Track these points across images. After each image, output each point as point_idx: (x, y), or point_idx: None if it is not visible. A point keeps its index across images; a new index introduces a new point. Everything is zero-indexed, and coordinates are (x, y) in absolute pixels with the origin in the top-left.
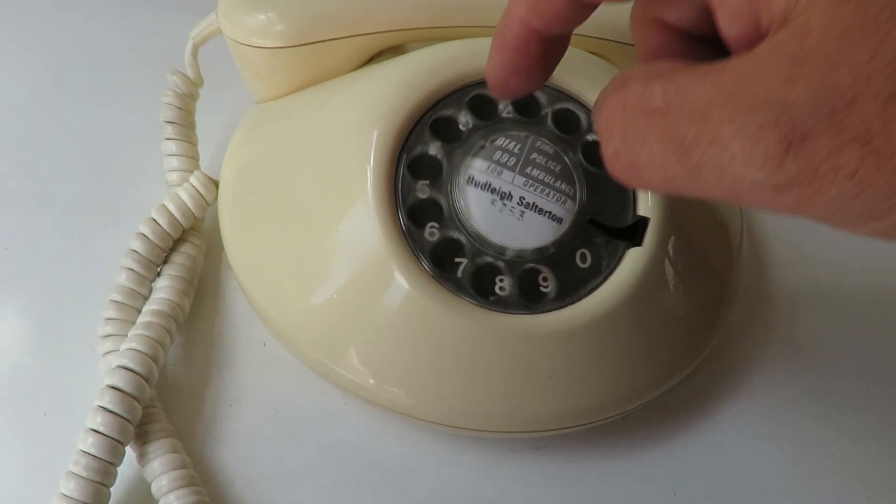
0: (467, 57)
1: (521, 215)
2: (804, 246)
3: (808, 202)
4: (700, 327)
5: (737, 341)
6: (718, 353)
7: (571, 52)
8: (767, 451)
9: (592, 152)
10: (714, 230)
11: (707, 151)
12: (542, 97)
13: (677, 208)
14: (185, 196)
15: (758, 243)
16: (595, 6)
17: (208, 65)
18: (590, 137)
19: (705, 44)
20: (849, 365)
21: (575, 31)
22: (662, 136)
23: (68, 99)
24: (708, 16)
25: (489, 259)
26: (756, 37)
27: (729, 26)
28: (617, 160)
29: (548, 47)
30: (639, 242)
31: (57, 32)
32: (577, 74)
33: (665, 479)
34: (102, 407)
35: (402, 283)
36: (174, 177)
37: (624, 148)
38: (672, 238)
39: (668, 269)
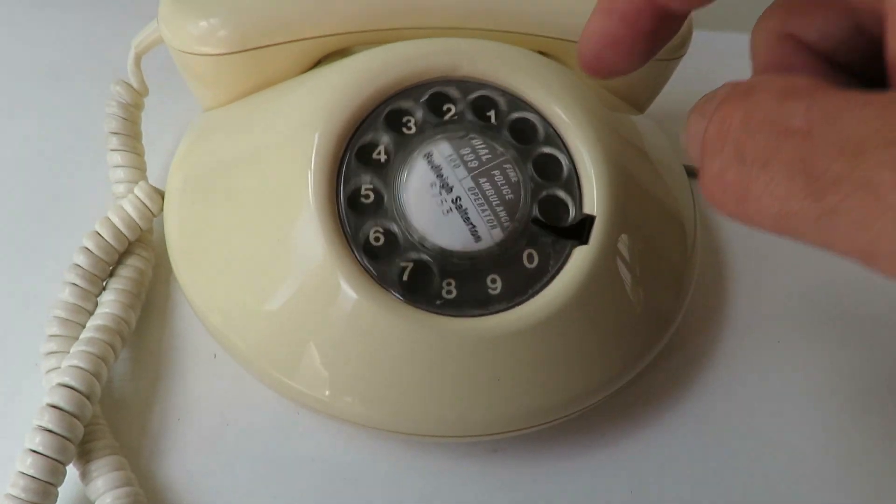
0: (410, 58)
1: (448, 212)
2: (759, 237)
3: None
4: (654, 322)
5: (693, 335)
6: (674, 348)
7: (528, 56)
8: (725, 446)
9: (543, 165)
10: (666, 224)
11: (851, 196)
12: (501, 100)
13: (626, 204)
14: (129, 207)
15: (713, 235)
16: None
17: (156, 74)
18: (545, 151)
19: (845, 74)
20: (806, 357)
21: (523, 31)
22: (794, 164)
23: (9, 112)
24: (858, 38)
25: (435, 262)
26: None
27: None
28: (722, 180)
29: (661, 24)
30: (585, 241)
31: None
32: (542, 85)
33: (622, 477)
34: (41, 427)
35: (348, 293)
36: (120, 188)
37: (736, 167)
38: (621, 234)
39: (618, 266)
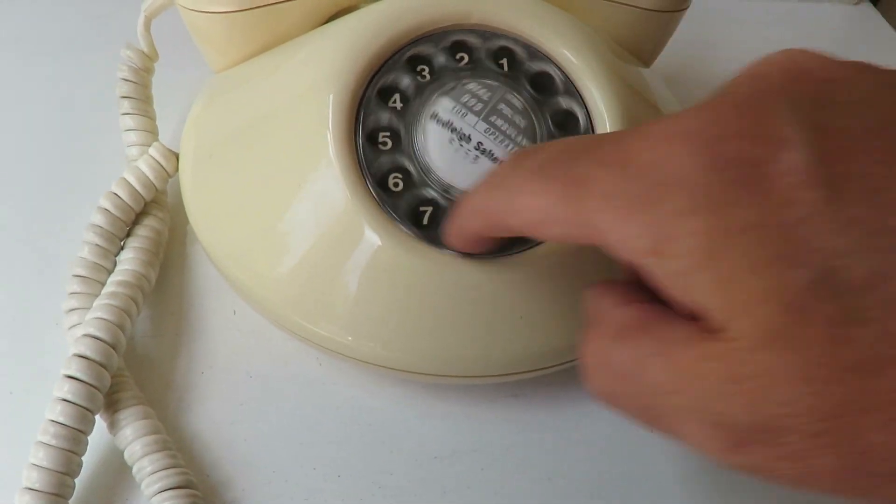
0: (421, 7)
1: (475, 159)
2: None
3: (759, 476)
4: None
5: None
6: None
7: (539, 4)
8: None
9: (560, 117)
10: None
11: (672, 422)
12: (520, 51)
13: None
14: (144, 168)
15: None
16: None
17: (165, 40)
18: (559, 99)
19: None
20: None
21: None
22: (632, 398)
23: (23, 80)
24: None
25: (454, 207)
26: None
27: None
28: (597, 395)
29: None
30: None
31: (10, 14)
32: (554, 33)
33: None
34: (69, 376)
35: (371, 238)
36: (133, 151)
37: (602, 389)
38: None
39: None
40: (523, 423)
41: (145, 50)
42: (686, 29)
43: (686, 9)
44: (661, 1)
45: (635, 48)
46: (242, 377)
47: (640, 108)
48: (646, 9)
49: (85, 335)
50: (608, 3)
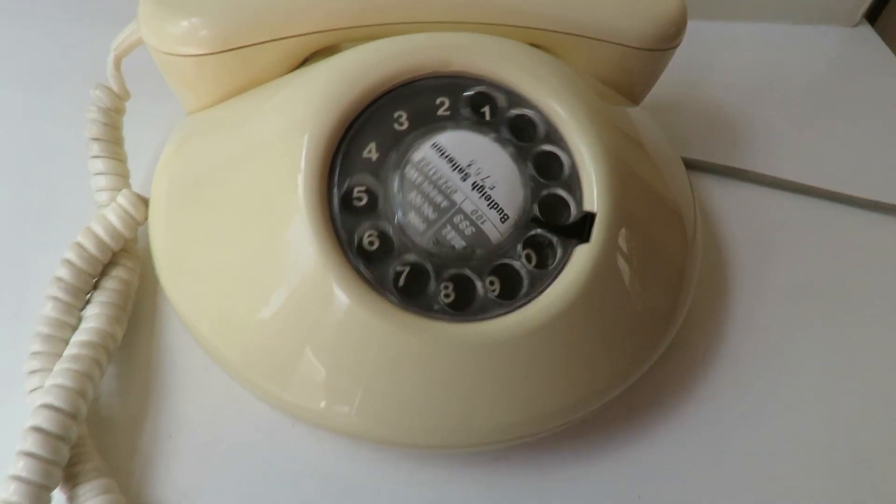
0: (399, 54)
1: (454, 215)
2: (759, 229)
3: None
4: (657, 321)
5: (695, 333)
6: (677, 347)
7: (521, 49)
8: (730, 446)
9: (543, 164)
10: (666, 218)
11: None
12: (496, 96)
13: (626, 200)
14: (112, 217)
15: (713, 229)
16: None
17: (137, 77)
18: (543, 148)
19: None
20: (810, 351)
21: (515, 23)
22: None
23: None
24: None
25: (432, 265)
26: None
27: None
28: None
29: None
30: (586, 238)
31: None
32: (536, 79)
33: (628, 482)
34: (24, 451)
35: (342, 299)
36: (103, 196)
37: None
38: (622, 231)
39: (620, 264)
40: (505, 488)
41: (115, 90)
42: (679, 51)
43: (676, 47)
44: (651, 40)
45: (624, 86)
46: (211, 441)
47: (626, 151)
48: (635, 48)
49: (42, 405)
50: (596, 41)
